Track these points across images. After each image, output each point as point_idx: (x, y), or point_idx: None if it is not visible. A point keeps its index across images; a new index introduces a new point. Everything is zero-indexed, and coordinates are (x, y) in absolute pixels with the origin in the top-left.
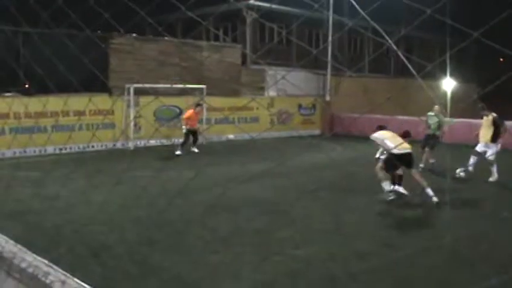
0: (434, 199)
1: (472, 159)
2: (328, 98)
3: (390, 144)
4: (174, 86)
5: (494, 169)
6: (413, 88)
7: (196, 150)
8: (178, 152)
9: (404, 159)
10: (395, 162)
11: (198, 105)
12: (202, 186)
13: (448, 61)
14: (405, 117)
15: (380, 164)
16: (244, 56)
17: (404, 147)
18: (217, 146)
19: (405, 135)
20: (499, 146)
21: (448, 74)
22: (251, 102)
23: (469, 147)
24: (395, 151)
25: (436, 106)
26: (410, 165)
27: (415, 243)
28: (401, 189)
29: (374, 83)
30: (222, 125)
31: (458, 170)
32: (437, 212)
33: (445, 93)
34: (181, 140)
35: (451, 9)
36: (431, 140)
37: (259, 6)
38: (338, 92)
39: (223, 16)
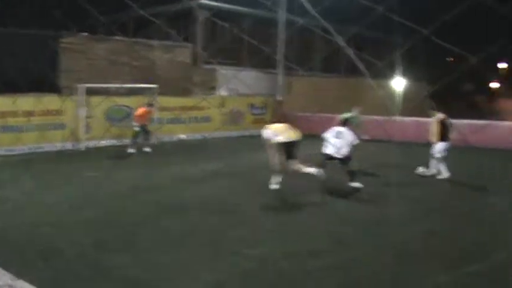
0: (322, 177)
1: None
2: (279, 97)
3: (276, 135)
4: (125, 85)
5: (442, 167)
6: (364, 87)
7: (148, 149)
8: (130, 150)
9: (288, 147)
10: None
11: (150, 105)
12: (153, 187)
13: (399, 60)
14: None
15: (277, 155)
16: (195, 56)
17: (290, 137)
18: (168, 146)
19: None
20: (446, 144)
21: (398, 73)
22: (202, 101)
23: (420, 146)
24: (280, 139)
25: (355, 107)
26: (292, 154)
27: (368, 240)
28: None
29: (325, 82)
30: (174, 124)
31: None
32: (390, 209)
33: (395, 92)
34: (131, 138)
35: (401, 8)
36: None
37: (211, 5)
38: (290, 92)
39: (175, 15)
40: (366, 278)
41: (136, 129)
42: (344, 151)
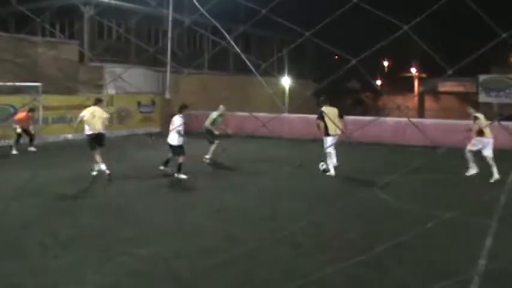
0: (107, 172)
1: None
2: (167, 95)
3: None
4: (8, 83)
5: (330, 161)
6: (252, 85)
7: (33, 149)
8: (13, 152)
9: (97, 139)
10: (92, 143)
11: (31, 110)
12: (39, 189)
13: (286, 58)
14: (245, 114)
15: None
16: (82, 53)
17: (98, 129)
18: (54, 146)
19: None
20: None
21: (286, 71)
22: (89, 100)
23: (306, 142)
24: (88, 132)
25: (221, 106)
26: (101, 144)
27: (258, 236)
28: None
29: (214, 80)
30: (59, 124)
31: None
32: (278, 203)
33: (283, 89)
34: (14, 140)
35: (288, 7)
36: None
37: (97, 2)
38: (178, 89)
39: (60, 11)
40: (258, 273)
41: (18, 131)
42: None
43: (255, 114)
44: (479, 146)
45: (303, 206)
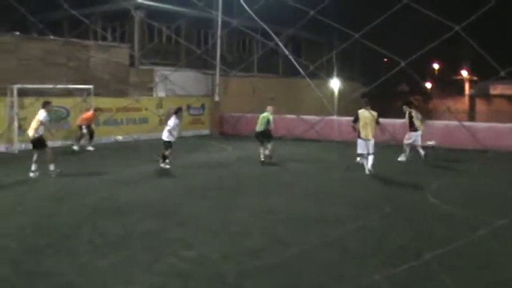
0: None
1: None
2: (217, 98)
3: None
4: (60, 86)
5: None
6: (301, 87)
7: (91, 148)
8: (75, 147)
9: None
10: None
11: (97, 109)
12: (90, 189)
13: (336, 61)
14: (293, 116)
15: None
16: (132, 56)
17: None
18: (105, 148)
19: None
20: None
21: (335, 73)
22: (140, 102)
23: (354, 145)
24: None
25: (269, 106)
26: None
27: (306, 239)
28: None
29: (263, 82)
30: (110, 126)
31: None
32: (326, 207)
33: (332, 92)
34: (76, 137)
35: (337, 11)
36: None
37: (147, 5)
38: (227, 92)
39: (111, 15)
40: (305, 277)
41: (84, 131)
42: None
43: (304, 116)
44: None
45: (351, 209)
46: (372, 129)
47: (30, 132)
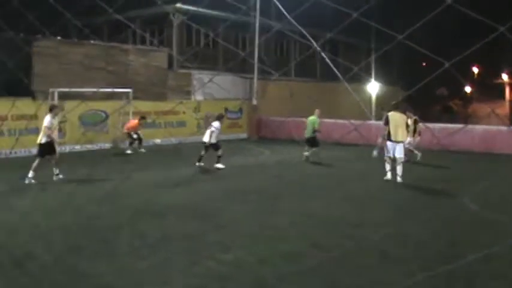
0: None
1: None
2: (254, 101)
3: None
4: (100, 90)
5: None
6: (339, 91)
7: (143, 150)
8: (128, 151)
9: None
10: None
11: (142, 118)
12: (129, 192)
13: (374, 65)
14: (332, 120)
15: None
16: (171, 60)
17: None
18: (144, 151)
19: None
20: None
21: (373, 77)
22: (178, 106)
23: None
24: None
25: (317, 110)
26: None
27: (343, 243)
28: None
29: (301, 86)
30: (149, 129)
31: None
32: (364, 211)
33: (370, 96)
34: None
35: (376, 13)
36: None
37: (186, 9)
38: (265, 96)
39: (150, 19)
40: (342, 281)
41: (134, 136)
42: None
43: (342, 121)
44: None
45: (389, 214)
46: (402, 132)
47: (38, 138)
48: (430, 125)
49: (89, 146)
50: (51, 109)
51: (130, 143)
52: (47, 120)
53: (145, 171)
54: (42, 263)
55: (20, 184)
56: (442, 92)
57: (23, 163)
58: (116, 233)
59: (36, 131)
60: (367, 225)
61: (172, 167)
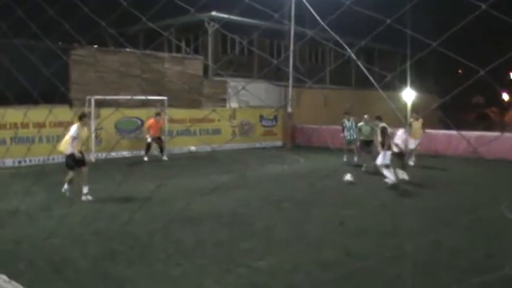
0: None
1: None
2: (289, 109)
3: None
4: (135, 97)
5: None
6: (374, 99)
7: (165, 158)
8: (145, 158)
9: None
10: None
11: (157, 114)
12: (164, 199)
13: (408, 72)
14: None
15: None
16: (206, 68)
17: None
18: (179, 158)
19: None
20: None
21: (408, 84)
22: (213, 113)
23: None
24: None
25: (365, 115)
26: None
27: (377, 252)
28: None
29: (335, 94)
30: (184, 136)
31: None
32: (398, 219)
33: (405, 104)
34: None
35: (411, 20)
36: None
37: (221, 17)
38: (299, 103)
39: (185, 27)
40: None
41: (148, 140)
42: None
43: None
44: None
45: (424, 223)
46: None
47: (63, 148)
48: (466, 133)
49: (124, 153)
50: (81, 118)
51: (147, 150)
52: (73, 129)
53: (180, 178)
54: (79, 267)
55: (57, 190)
56: (478, 100)
57: (60, 169)
58: (150, 239)
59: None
60: (401, 234)
61: (207, 174)
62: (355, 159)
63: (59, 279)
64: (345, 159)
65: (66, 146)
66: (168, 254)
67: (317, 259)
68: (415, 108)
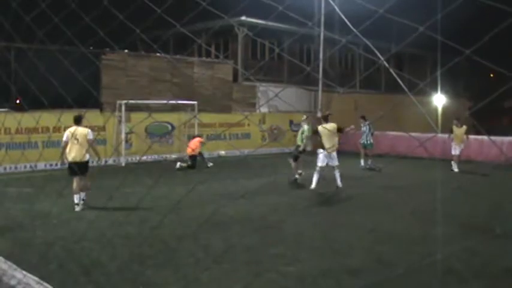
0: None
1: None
2: (319, 114)
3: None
4: (166, 102)
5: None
6: (404, 104)
7: (210, 164)
8: (210, 164)
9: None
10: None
11: (199, 136)
12: (194, 203)
13: (439, 77)
14: (397, 133)
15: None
16: (235, 72)
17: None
18: (209, 163)
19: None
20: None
21: (438, 89)
22: (243, 118)
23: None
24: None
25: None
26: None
27: (407, 259)
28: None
29: (365, 99)
30: (214, 141)
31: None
32: (429, 226)
33: (436, 109)
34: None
35: (441, 25)
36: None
37: (251, 22)
38: (329, 108)
39: (215, 32)
40: None
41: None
42: None
43: (408, 134)
44: None
45: (456, 229)
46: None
47: (78, 154)
48: (498, 139)
49: (155, 157)
50: (78, 120)
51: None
52: (90, 132)
53: (209, 183)
54: (108, 270)
55: (88, 193)
56: (510, 104)
57: (91, 172)
58: (179, 244)
59: (104, 142)
60: (433, 241)
61: (237, 179)
62: (369, 162)
63: (88, 281)
64: (362, 163)
65: (81, 150)
66: (197, 258)
67: (346, 265)
68: (445, 112)
